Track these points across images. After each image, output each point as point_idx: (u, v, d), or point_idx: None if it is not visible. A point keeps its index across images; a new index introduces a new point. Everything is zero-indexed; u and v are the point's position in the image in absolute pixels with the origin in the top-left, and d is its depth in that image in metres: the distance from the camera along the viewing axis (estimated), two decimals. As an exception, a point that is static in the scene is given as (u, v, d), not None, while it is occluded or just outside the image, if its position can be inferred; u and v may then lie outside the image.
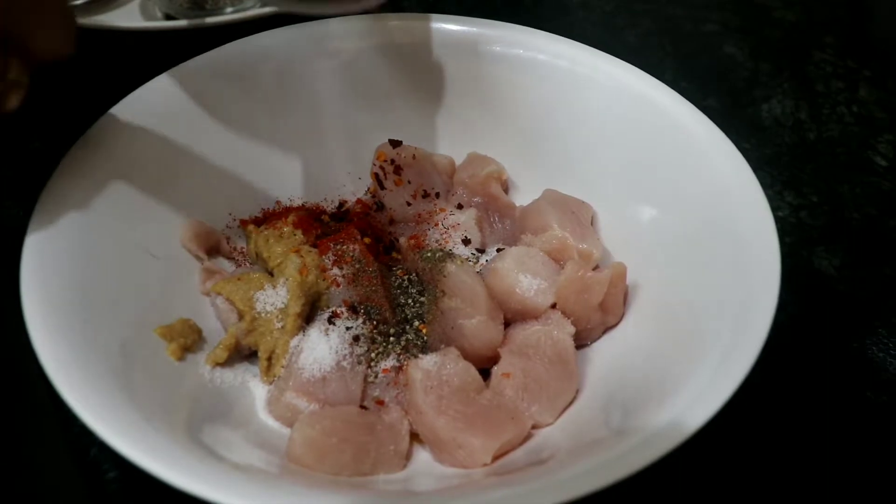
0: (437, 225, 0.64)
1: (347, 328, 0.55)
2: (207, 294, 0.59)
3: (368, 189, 0.68)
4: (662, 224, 0.59)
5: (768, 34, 0.95)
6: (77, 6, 0.87)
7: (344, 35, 0.67)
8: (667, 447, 0.42)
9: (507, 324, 0.57)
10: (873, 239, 0.71)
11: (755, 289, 0.49)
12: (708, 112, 0.61)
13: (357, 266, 0.58)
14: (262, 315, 0.56)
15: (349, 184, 0.69)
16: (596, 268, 0.60)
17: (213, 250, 0.62)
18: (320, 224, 0.63)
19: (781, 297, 0.49)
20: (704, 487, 0.54)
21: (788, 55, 0.92)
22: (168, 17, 0.87)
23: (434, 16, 0.68)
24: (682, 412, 0.44)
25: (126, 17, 0.87)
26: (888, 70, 0.90)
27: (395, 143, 0.66)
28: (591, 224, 0.63)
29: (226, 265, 0.63)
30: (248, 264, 0.62)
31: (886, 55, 0.93)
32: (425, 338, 0.57)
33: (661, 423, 0.44)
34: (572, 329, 0.56)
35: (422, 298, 0.58)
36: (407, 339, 0.56)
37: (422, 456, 0.53)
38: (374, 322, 0.56)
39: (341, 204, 0.67)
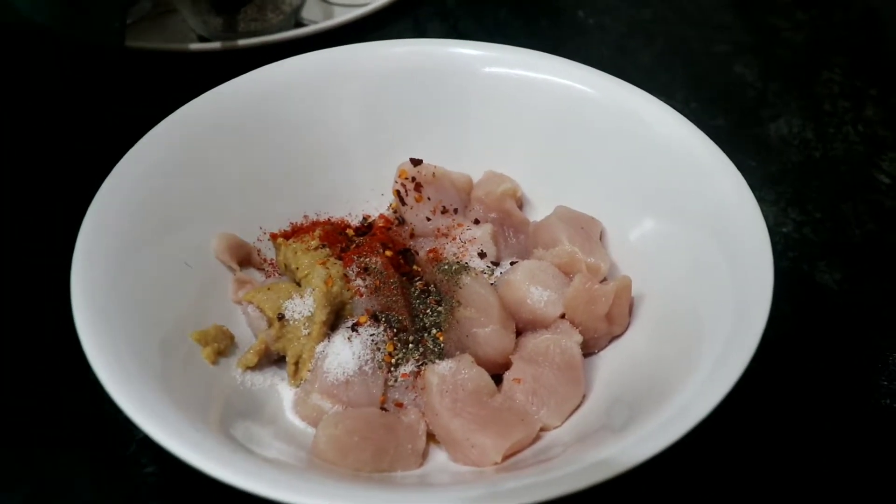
0: (454, 239, 0.67)
1: (370, 335, 0.59)
2: (239, 302, 0.63)
3: (390, 205, 0.72)
4: (666, 238, 0.63)
5: (778, 54, 0.98)
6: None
7: (367, 60, 0.71)
8: (662, 445, 0.45)
9: (519, 333, 0.61)
10: (874, 254, 0.74)
11: (749, 300, 0.53)
12: (716, 131, 0.64)
13: (379, 277, 0.61)
14: (290, 322, 0.60)
15: (372, 200, 0.72)
16: (603, 280, 0.63)
17: (244, 262, 0.66)
18: (345, 238, 0.66)
19: (783, 310, 0.52)
20: (704, 488, 0.57)
21: (797, 75, 0.95)
22: (202, 40, 0.91)
23: (453, 41, 0.72)
24: (679, 413, 0.47)
25: (163, 40, 0.92)
26: (894, 89, 0.92)
27: (416, 162, 0.70)
28: (600, 239, 0.66)
29: (256, 276, 0.66)
30: (277, 275, 0.66)
31: (893, 74, 0.96)
32: (442, 345, 0.60)
33: (658, 423, 0.47)
34: (580, 338, 0.59)
35: (439, 308, 0.62)
36: (425, 346, 0.60)
37: (437, 455, 0.56)
38: (395, 330, 0.60)
39: (365, 219, 0.71)
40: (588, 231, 0.65)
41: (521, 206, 0.71)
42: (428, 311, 0.62)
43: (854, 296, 0.70)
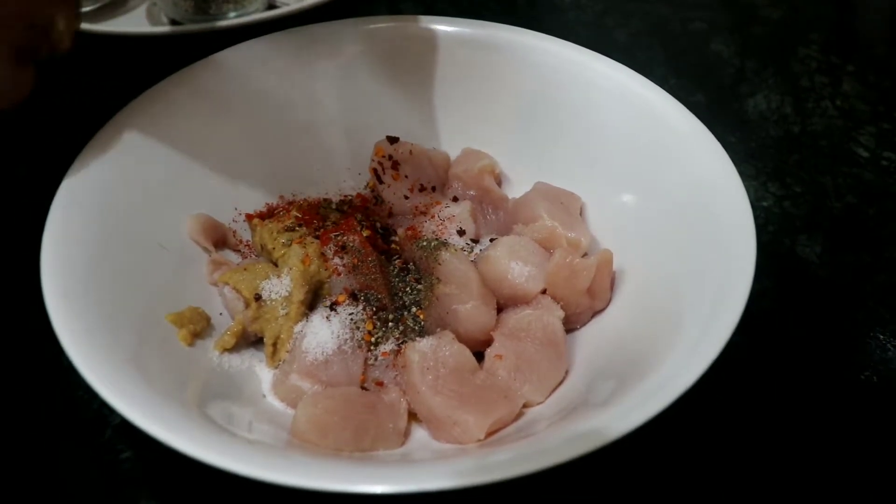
0: (433, 217, 0.66)
1: (348, 314, 0.58)
2: (215, 284, 0.62)
3: (368, 184, 0.71)
4: (647, 212, 0.62)
5: (755, 32, 0.98)
6: (86, 13, 0.89)
7: (343, 37, 0.70)
8: (645, 416, 0.45)
9: (500, 309, 0.60)
10: (853, 227, 0.74)
11: (732, 271, 0.52)
12: (695, 107, 0.63)
13: (357, 256, 0.60)
14: (268, 303, 0.59)
15: (349, 179, 0.71)
16: (584, 255, 0.62)
17: (220, 243, 0.65)
18: (321, 217, 0.65)
19: (765, 283, 0.52)
20: (687, 460, 0.57)
21: (774, 52, 0.94)
22: (174, 23, 0.90)
23: (429, 17, 0.71)
24: (662, 385, 0.47)
25: (133, 23, 0.90)
26: (871, 64, 0.92)
27: (393, 140, 0.69)
28: (580, 214, 0.66)
29: (232, 257, 0.65)
30: (253, 256, 0.65)
31: (869, 50, 0.96)
32: (422, 322, 0.59)
33: (641, 396, 0.46)
34: (561, 313, 0.59)
35: (419, 286, 0.61)
36: (405, 325, 0.59)
37: (419, 434, 0.55)
38: (374, 308, 0.59)
39: (342, 199, 0.70)
40: (568, 206, 0.65)
41: (499, 183, 0.70)
42: (407, 288, 0.61)
43: (835, 268, 0.70)
